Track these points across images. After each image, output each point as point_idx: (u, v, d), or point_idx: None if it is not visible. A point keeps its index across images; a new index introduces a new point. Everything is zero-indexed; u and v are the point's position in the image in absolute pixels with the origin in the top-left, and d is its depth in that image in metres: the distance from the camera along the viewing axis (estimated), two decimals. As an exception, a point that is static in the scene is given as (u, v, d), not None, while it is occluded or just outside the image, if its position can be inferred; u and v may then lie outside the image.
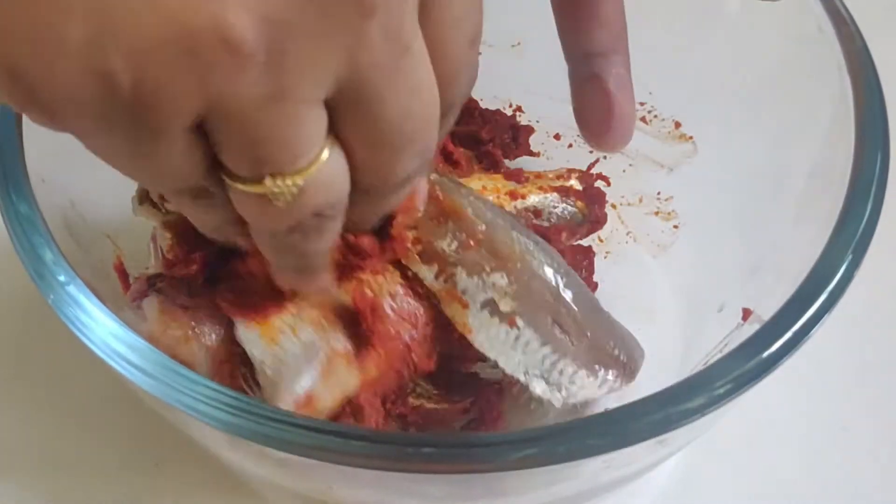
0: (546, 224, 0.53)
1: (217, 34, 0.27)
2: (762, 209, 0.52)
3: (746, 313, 0.46)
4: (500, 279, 0.44)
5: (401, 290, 0.45)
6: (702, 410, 0.36)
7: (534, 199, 0.53)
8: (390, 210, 0.40)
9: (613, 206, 0.61)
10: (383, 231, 0.43)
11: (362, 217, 0.39)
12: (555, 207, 0.54)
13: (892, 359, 0.58)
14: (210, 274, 0.46)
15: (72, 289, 0.39)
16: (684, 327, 0.55)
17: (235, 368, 0.43)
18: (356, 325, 0.44)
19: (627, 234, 0.61)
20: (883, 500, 0.53)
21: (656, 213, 0.60)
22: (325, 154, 0.32)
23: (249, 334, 0.42)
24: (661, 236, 0.60)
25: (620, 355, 0.48)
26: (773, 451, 0.54)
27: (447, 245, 0.45)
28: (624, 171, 0.61)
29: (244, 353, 0.43)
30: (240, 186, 0.32)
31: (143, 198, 0.48)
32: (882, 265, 0.48)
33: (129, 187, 0.49)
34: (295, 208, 0.32)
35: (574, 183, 0.55)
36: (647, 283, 0.59)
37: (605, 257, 0.60)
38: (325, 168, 0.32)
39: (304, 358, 0.42)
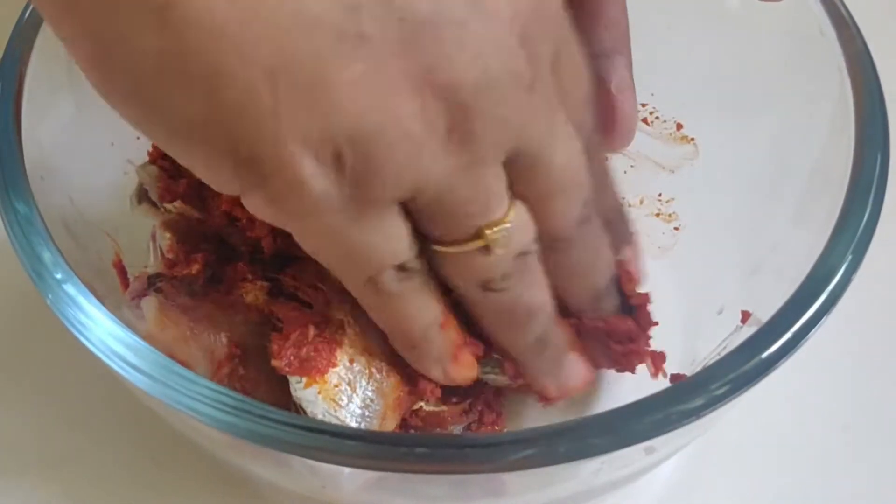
0: None
1: (423, 119, 0.33)
2: (763, 211, 0.52)
3: (745, 315, 0.46)
4: None
5: None
6: (701, 411, 0.36)
7: None
8: (591, 267, 0.44)
9: (614, 208, 0.61)
10: (626, 308, 0.47)
11: (574, 269, 0.43)
12: None
13: (893, 359, 0.58)
14: (211, 274, 0.46)
15: (70, 288, 0.39)
16: (684, 329, 0.54)
17: (234, 369, 0.43)
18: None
19: (628, 235, 0.60)
20: (884, 499, 0.53)
21: (657, 215, 0.60)
22: (515, 203, 0.38)
23: (309, 394, 0.42)
24: (661, 238, 0.59)
25: None
26: (773, 451, 0.54)
27: None
28: (625, 172, 0.61)
29: (243, 354, 0.43)
30: (454, 249, 0.38)
31: (142, 197, 0.48)
32: (882, 266, 0.48)
33: (128, 184, 0.49)
34: (508, 252, 0.38)
35: None
36: (647, 284, 0.58)
37: (606, 258, 0.60)
38: (520, 211, 0.38)
39: (362, 416, 0.43)
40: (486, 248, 0.38)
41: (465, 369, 0.45)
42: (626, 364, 0.47)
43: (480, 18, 0.32)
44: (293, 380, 0.42)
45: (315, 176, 0.33)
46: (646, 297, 0.47)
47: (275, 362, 0.42)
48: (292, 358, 0.42)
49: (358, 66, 0.31)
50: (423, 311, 0.41)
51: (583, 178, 0.39)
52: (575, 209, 0.40)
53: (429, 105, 0.33)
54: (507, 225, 0.37)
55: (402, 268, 0.38)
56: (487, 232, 0.37)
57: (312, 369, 0.42)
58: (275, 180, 0.33)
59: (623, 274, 0.46)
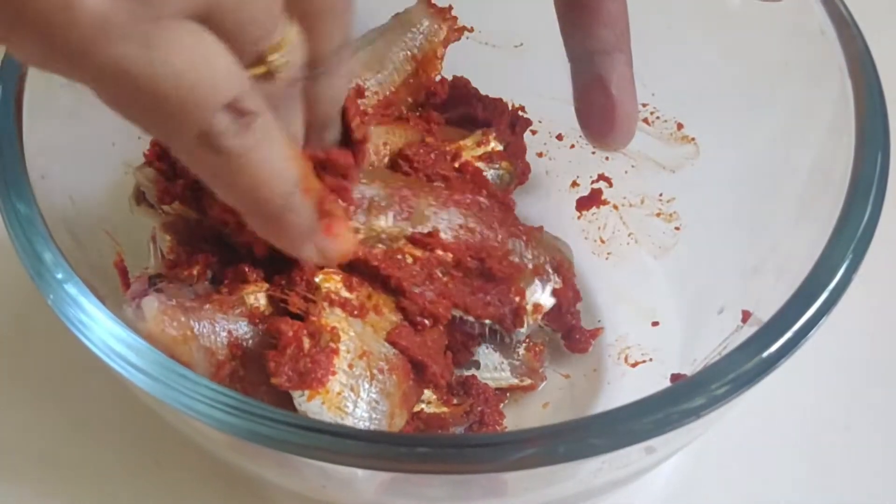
0: None
1: None
2: (763, 210, 0.52)
3: (746, 315, 0.46)
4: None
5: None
6: (702, 411, 0.36)
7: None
8: (340, 95, 0.41)
9: (615, 208, 0.61)
10: (346, 141, 0.43)
11: (325, 96, 0.40)
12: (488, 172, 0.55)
13: (894, 358, 0.58)
14: (212, 276, 0.46)
15: (71, 288, 0.39)
16: (685, 329, 0.55)
17: (234, 369, 0.43)
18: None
19: (629, 235, 0.61)
20: (885, 499, 0.53)
21: (658, 215, 0.60)
22: (291, 24, 0.35)
23: (313, 407, 0.42)
24: (662, 238, 0.59)
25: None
26: (774, 451, 0.54)
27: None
28: (626, 172, 0.61)
29: (244, 354, 0.43)
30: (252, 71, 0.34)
31: (140, 198, 0.48)
32: (882, 265, 0.48)
33: (129, 184, 0.49)
34: (286, 77, 0.35)
35: (494, 144, 0.55)
36: (648, 284, 0.59)
37: (607, 258, 0.60)
38: (296, 31, 0.35)
39: (369, 419, 0.43)
40: (269, 75, 0.34)
41: (341, 242, 0.40)
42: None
43: None
44: (296, 394, 0.42)
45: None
46: (367, 135, 0.45)
47: (274, 380, 0.42)
48: (291, 373, 0.42)
49: None
50: (278, 171, 0.36)
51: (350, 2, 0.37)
52: (340, 33, 0.37)
53: None
54: (287, 44, 0.34)
55: (236, 109, 0.33)
56: (270, 57, 0.34)
57: (313, 381, 0.42)
58: (40, 3, 0.29)
59: (349, 107, 0.43)
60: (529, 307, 0.51)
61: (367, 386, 0.43)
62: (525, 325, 0.51)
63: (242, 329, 0.44)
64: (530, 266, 0.51)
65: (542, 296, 0.52)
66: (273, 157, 0.35)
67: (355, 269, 0.46)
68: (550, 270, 0.52)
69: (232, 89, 0.32)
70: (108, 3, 0.29)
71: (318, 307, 0.44)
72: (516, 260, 0.51)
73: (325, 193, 0.39)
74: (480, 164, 0.54)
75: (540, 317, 0.52)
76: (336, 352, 0.43)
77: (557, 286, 0.52)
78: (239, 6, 0.32)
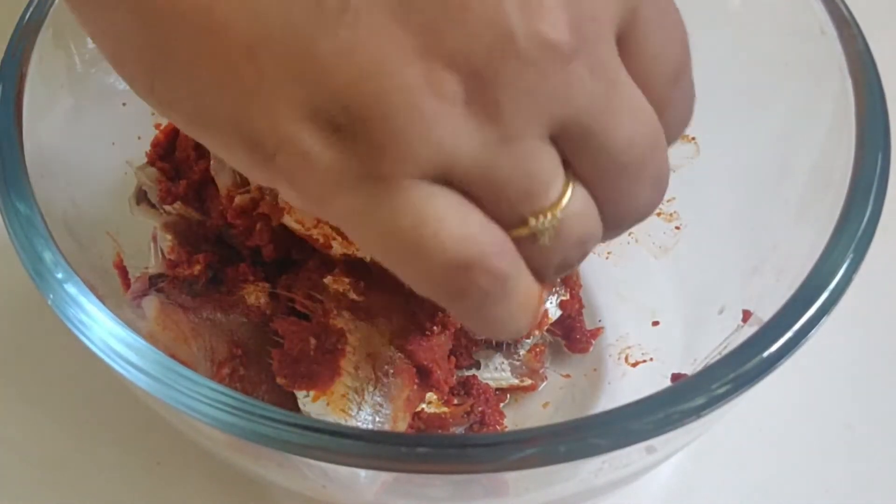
0: None
1: (429, 88, 0.30)
2: (764, 210, 0.52)
3: (746, 315, 0.46)
4: None
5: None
6: (702, 410, 0.36)
7: None
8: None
9: (615, 207, 0.61)
10: None
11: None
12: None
13: (894, 358, 0.58)
14: (213, 275, 0.46)
15: (71, 288, 0.39)
16: (685, 329, 0.55)
17: (234, 369, 0.43)
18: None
19: (629, 234, 0.60)
20: (886, 499, 0.53)
21: (658, 214, 0.60)
22: (571, 187, 0.33)
23: (317, 408, 0.42)
24: (662, 237, 0.59)
25: None
26: (774, 451, 0.54)
27: None
28: (626, 171, 0.61)
29: (244, 354, 0.43)
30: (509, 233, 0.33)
31: (140, 198, 0.48)
32: (883, 265, 0.48)
33: (129, 184, 0.49)
34: (560, 242, 0.33)
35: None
36: (648, 284, 0.59)
37: (607, 258, 0.60)
38: (575, 198, 0.33)
39: (373, 422, 0.43)
40: (533, 237, 0.33)
41: None
42: None
43: None
44: (300, 394, 0.42)
45: (317, 148, 0.31)
46: None
47: (279, 380, 0.42)
48: (296, 373, 0.42)
49: (343, 33, 0.29)
50: (511, 319, 0.35)
51: (653, 152, 0.34)
52: (644, 188, 0.35)
53: (435, 72, 0.30)
54: (557, 213, 0.33)
55: (481, 268, 0.33)
56: (532, 220, 0.33)
57: (318, 382, 0.42)
58: (281, 157, 0.31)
59: None
60: None
61: (371, 389, 0.43)
62: (531, 336, 0.51)
63: (243, 329, 0.44)
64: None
65: (549, 307, 0.52)
66: (510, 310, 0.34)
67: (365, 271, 0.46)
68: (559, 282, 0.52)
69: (460, 251, 0.32)
70: (336, 155, 0.31)
71: (325, 308, 0.44)
72: None
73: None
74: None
75: (546, 327, 0.52)
76: (343, 353, 0.43)
77: (565, 297, 0.52)
78: (487, 168, 0.31)
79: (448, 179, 0.31)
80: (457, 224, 0.32)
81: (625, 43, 0.33)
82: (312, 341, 0.43)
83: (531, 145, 0.31)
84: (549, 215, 0.33)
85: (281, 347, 0.42)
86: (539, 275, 0.35)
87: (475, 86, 0.30)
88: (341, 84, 0.30)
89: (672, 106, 0.36)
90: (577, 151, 0.33)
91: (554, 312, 0.52)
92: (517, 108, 0.31)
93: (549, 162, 0.32)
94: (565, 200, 0.33)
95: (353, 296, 0.45)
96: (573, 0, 0.31)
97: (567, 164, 0.33)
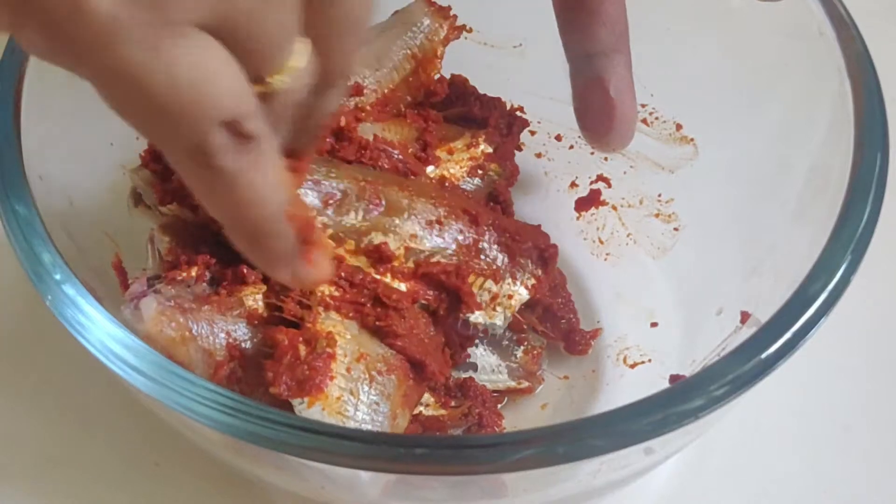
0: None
1: None
2: (763, 211, 0.52)
3: (745, 316, 0.46)
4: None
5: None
6: (700, 411, 0.36)
7: (447, 173, 0.54)
8: (333, 107, 0.39)
9: (614, 208, 0.61)
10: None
11: (320, 109, 0.38)
12: (470, 181, 0.55)
13: (893, 359, 0.58)
14: (210, 277, 0.46)
15: (69, 289, 0.39)
16: (684, 329, 0.55)
17: (232, 370, 0.43)
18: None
19: (628, 236, 0.61)
20: (885, 500, 0.53)
21: (657, 216, 0.60)
22: (305, 41, 0.33)
23: (313, 413, 0.42)
24: (661, 238, 0.59)
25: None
26: (774, 451, 0.54)
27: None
28: (625, 172, 0.61)
29: (242, 356, 0.43)
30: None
31: (137, 200, 0.48)
32: (882, 266, 0.48)
33: (127, 185, 0.49)
34: (287, 101, 0.34)
35: (484, 147, 0.55)
36: (647, 285, 0.59)
37: (606, 259, 0.60)
38: (307, 51, 0.33)
39: (371, 421, 0.43)
40: (266, 96, 0.33)
41: (317, 270, 0.39)
42: None
43: None
44: (296, 401, 0.42)
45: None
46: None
47: (272, 390, 0.42)
48: (289, 381, 0.42)
49: None
50: (266, 196, 0.35)
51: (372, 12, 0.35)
52: (354, 51, 0.36)
53: None
54: (293, 66, 0.33)
55: (237, 129, 0.32)
56: (271, 79, 0.33)
57: (312, 388, 0.42)
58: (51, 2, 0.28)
59: None
60: (503, 299, 0.51)
61: (366, 388, 0.43)
62: (503, 318, 0.51)
63: (241, 330, 0.44)
64: (499, 265, 0.51)
65: (517, 289, 0.52)
66: (264, 181, 0.34)
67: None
68: (528, 264, 0.52)
69: (234, 108, 0.31)
70: (117, 5, 0.28)
71: (313, 313, 0.44)
72: (484, 259, 0.50)
73: (309, 221, 0.38)
74: (459, 173, 0.54)
75: (516, 308, 0.51)
76: (333, 356, 0.43)
77: (532, 281, 0.52)
78: (252, 19, 0.31)
79: (218, 28, 0.30)
80: (232, 79, 0.31)
81: None
82: (303, 349, 0.43)
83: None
84: (287, 72, 0.33)
85: (271, 358, 0.42)
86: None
87: None
88: None
89: None
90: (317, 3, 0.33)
91: (522, 295, 0.52)
92: None
93: (294, 16, 0.32)
94: (301, 57, 0.33)
95: (336, 292, 0.45)
96: None
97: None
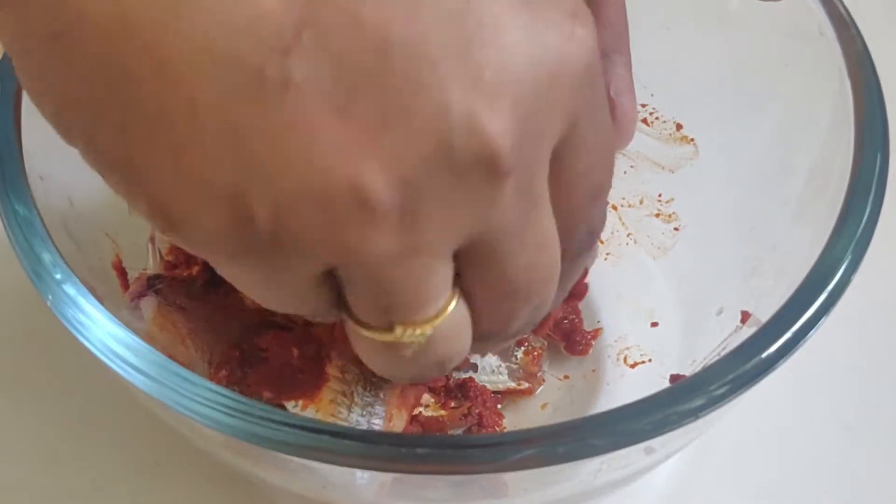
0: None
1: (353, 193, 0.27)
2: (763, 211, 0.52)
3: (745, 316, 0.46)
4: None
5: None
6: (701, 411, 0.36)
7: None
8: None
9: (614, 208, 0.61)
10: None
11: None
12: None
13: (894, 358, 0.58)
14: (211, 276, 0.46)
15: (70, 289, 0.39)
16: (684, 329, 0.55)
17: (232, 370, 0.43)
18: None
19: (628, 235, 0.61)
20: (885, 500, 0.53)
21: (657, 215, 0.60)
22: (452, 304, 0.32)
23: (307, 416, 0.42)
24: (661, 238, 0.59)
25: None
26: (773, 452, 0.54)
27: None
28: (625, 172, 0.61)
29: (241, 355, 0.43)
30: (365, 333, 0.32)
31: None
32: (882, 265, 0.48)
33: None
34: (422, 358, 0.33)
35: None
36: (647, 285, 0.59)
37: (606, 259, 0.60)
38: (451, 318, 0.32)
39: (367, 423, 0.43)
40: (395, 346, 0.32)
41: None
42: None
43: (452, 82, 0.27)
44: (289, 405, 0.42)
45: (218, 234, 0.29)
46: None
47: (266, 395, 0.42)
48: (281, 385, 0.42)
49: (282, 117, 0.27)
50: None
51: (546, 285, 0.33)
52: (525, 313, 0.34)
53: (367, 174, 0.27)
54: (427, 331, 0.32)
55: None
56: (398, 332, 0.31)
57: (305, 391, 0.42)
58: (182, 228, 0.30)
59: None
60: None
61: (360, 390, 0.43)
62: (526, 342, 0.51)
63: (240, 330, 0.44)
64: None
65: None
66: None
67: None
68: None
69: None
70: (240, 246, 0.29)
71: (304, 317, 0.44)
72: None
73: None
74: None
75: None
76: (328, 358, 0.43)
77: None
78: (380, 274, 0.30)
79: (338, 267, 0.30)
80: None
81: (556, 157, 0.31)
82: (295, 352, 0.42)
83: (434, 261, 0.30)
84: (418, 331, 0.32)
85: (265, 363, 0.42)
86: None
87: (402, 194, 0.28)
88: (264, 171, 0.27)
89: (585, 222, 0.34)
90: (473, 267, 0.31)
91: None
92: (436, 222, 0.29)
93: (443, 277, 0.31)
94: (441, 319, 0.32)
95: None
96: (524, 114, 0.28)
97: (457, 275, 0.32)
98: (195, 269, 0.46)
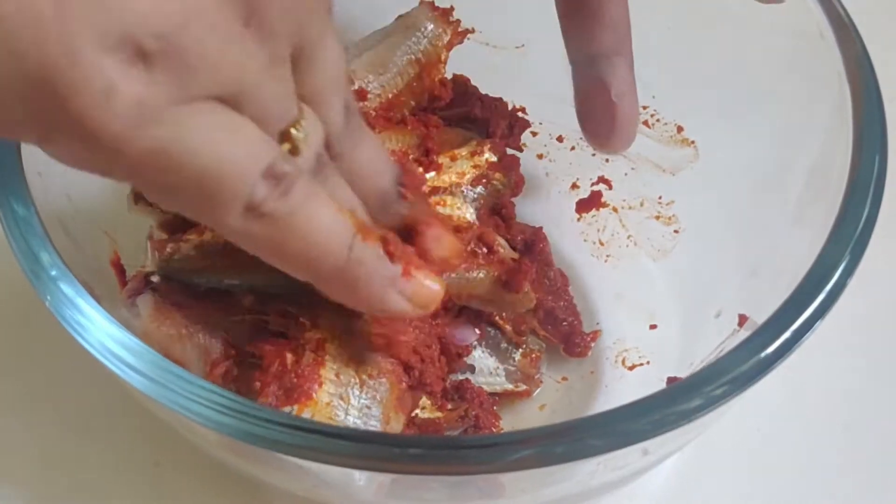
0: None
1: None
2: (762, 213, 0.52)
3: (742, 319, 0.46)
4: None
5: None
6: (699, 412, 0.36)
7: (447, 180, 0.54)
8: (376, 164, 0.41)
9: (615, 210, 0.61)
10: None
11: (362, 170, 0.40)
12: (473, 190, 0.54)
13: (893, 358, 0.57)
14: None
15: (67, 289, 0.39)
16: (683, 331, 0.55)
17: (228, 368, 0.43)
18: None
19: (628, 237, 0.61)
20: (885, 500, 0.53)
21: (657, 217, 0.60)
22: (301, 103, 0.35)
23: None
24: (661, 240, 0.59)
25: None
26: (773, 451, 0.54)
27: None
28: (626, 174, 0.61)
29: (238, 354, 0.43)
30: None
31: (138, 197, 0.48)
32: (880, 266, 0.48)
33: (127, 183, 0.49)
34: (311, 151, 0.35)
35: (489, 156, 0.55)
36: (646, 287, 0.59)
37: (606, 261, 0.60)
38: (307, 108, 0.36)
39: (364, 426, 0.43)
40: (294, 150, 0.35)
41: (427, 281, 0.39)
42: None
43: None
44: (286, 409, 0.42)
45: (124, 79, 0.29)
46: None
47: (261, 399, 0.42)
48: (277, 391, 0.42)
49: None
50: (328, 226, 0.36)
51: (346, 75, 0.38)
52: (341, 107, 0.38)
53: None
54: (304, 122, 0.35)
55: (274, 174, 0.33)
56: (293, 131, 0.35)
57: (300, 395, 0.42)
58: (78, 99, 0.29)
59: (406, 174, 0.43)
60: None
61: (357, 393, 0.43)
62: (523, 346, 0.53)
63: (237, 328, 0.44)
64: None
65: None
66: (320, 213, 0.35)
67: None
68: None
69: (266, 156, 0.33)
70: (142, 87, 0.29)
71: (299, 322, 0.44)
72: None
73: (389, 236, 0.39)
74: (467, 187, 0.54)
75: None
76: (321, 363, 0.43)
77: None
78: (259, 86, 0.33)
79: (231, 98, 0.32)
80: (254, 132, 0.33)
81: None
82: (289, 357, 0.42)
83: (287, 67, 0.34)
84: (301, 125, 0.35)
85: (259, 368, 0.42)
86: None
87: (251, 4, 0.31)
88: (150, 10, 0.29)
89: None
90: (301, 71, 0.35)
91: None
92: (280, 25, 0.32)
93: (291, 82, 0.35)
94: (305, 111, 0.35)
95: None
96: None
97: None
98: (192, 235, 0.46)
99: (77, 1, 0.28)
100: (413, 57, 0.54)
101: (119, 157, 0.31)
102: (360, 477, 0.39)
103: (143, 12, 0.29)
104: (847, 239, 0.40)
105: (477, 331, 0.52)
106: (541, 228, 0.57)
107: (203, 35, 0.30)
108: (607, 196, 0.61)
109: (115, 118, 0.29)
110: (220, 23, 0.31)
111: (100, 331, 0.38)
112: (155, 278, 0.45)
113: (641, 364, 0.55)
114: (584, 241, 0.61)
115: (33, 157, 0.42)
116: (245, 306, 0.44)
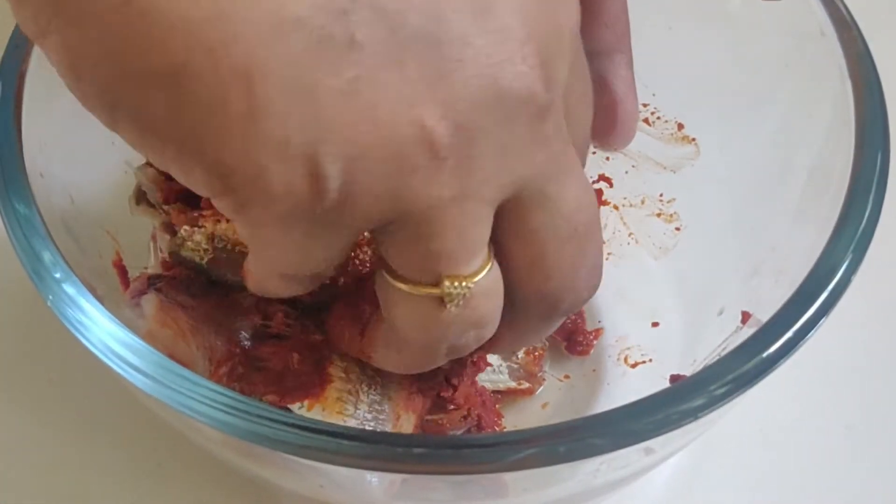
0: None
1: (419, 138, 0.29)
2: (764, 211, 0.52)
3: (745, 316, 0.46)
4: None
5: None
6: (701, 411, 0.36)
7: None
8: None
9: (615, 208, 0.61)
10: None
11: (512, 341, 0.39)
12: None
13: (894, 358, 0.58)
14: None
15: (70, 289, 0.39)
16: (684, 330, 0.55)
17: (233, 368, 0.43)
18: None
19: (629, 235, 0.61)
20: (886, 500, 0.53)
21: (658, 215, 0.60)
22: (491, 263, 0.33)
23: (314, 415, 0.42)
24: (662, 238, 0.59)
25: None
26: (774, 451, 0.54)
27: None
28: (626, 172, 0.61)
29: (242, 353, 0.43)
30: (406, 287, 0.33)
31: (140, 198, 0.48)
32: (882, 265, 0.48)
33: (129, 183, 0.49)
34: (460, 318, 0.34)
35: None
36: (648, 285, 0.59)
37: (607, 259, 0.60)
38: (491, 275, 0.33)
39: (374, 419, 0.43)
40: (440, 301, 0.33)
41: None
42: None
43: (487, 36, 0.29)
44: (295, 407, 0.42)
45: (287, 194, 0.30)
46: None
47: (268, 398, 0.42)
48: (283, 391, 0.42)
49: (349, 73, 0.28)
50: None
51: (596, 228, 0.35)
52: (585, 267, 0.36)
53: (428, 119, 0.29)
54: (471, 283, 0.33)
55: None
56: (446, 284, 0.32)
57: (310, 391, 0.42)
58: (243, 191, 0.30)
59: None
60: None
61: (366, 388, 0.43)
62: None
63: (241, 328, 0.44)
64: None
65: None
66: None
67: None
68: None
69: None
70: (302, 207, 0.30)
71: (303, 325, 0.44)
72: None
73: None
74: None
75: None
76: (329, 361, 0.43)
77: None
78: (428, 223, 0.31)
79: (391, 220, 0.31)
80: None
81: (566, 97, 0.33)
82: (295, 356, 0.42)
83: (482, 208, 0.32)
84: (463, 283, 0.32)
85: (263, 371, 0.42)
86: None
87: (459, 138, 0.30)
88: (337, 129, 0.29)
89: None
90: (515, 216, 0.33)
91: None
92: (489, 165, 0.31)
93: (484, 231, 0.32)
94: (482, 274, 0.33)
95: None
96: (544, 60, 0.31)
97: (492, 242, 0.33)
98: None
99: (270, 106, 0.28)
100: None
101: (249, 231, 0.33)
102: (371, 477, 0.39)
103: (332, 131, 0.29)
104: (850, 237, 0.40)
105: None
106: None
107: (385, 163, 0.30)
108: (608, 194, 0.61)
109: (263, 216, 0.31)
110: (409, 152, 0.30)
111: (102, 331, 0.38)
112: (158, 279, 0.45)
113: (644, 362, 0.55)
114: (585, 239, 0.61)
115: (36, 159, 0.42)
116: (245, 306, 0.44)
